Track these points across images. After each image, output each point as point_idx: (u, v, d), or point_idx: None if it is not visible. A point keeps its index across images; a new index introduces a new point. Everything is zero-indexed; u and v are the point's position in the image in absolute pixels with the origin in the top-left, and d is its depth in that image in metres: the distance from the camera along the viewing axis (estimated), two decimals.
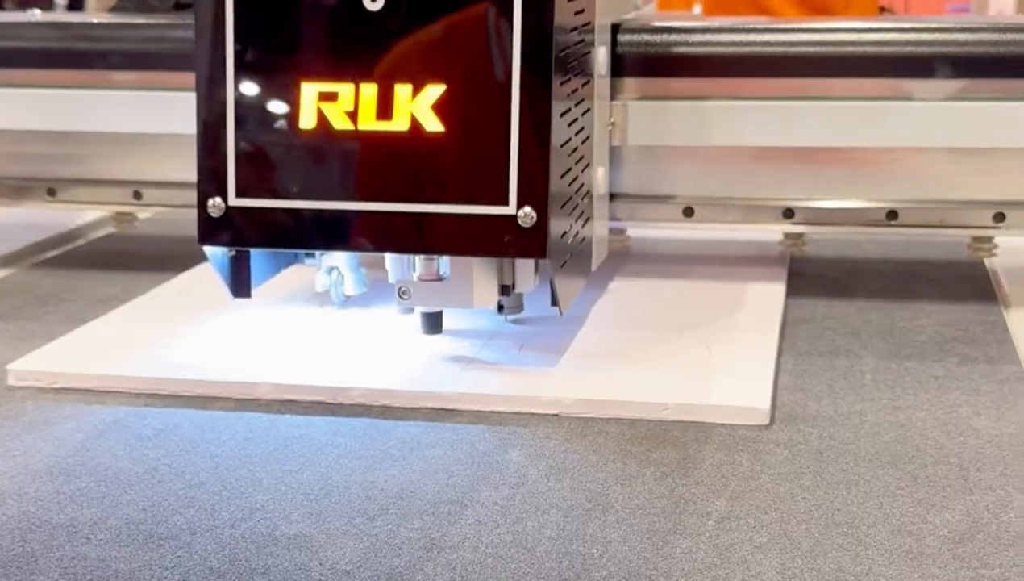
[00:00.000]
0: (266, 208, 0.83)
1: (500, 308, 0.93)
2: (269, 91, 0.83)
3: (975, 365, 0.87)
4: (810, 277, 1.10)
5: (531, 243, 0.80)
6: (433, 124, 0.81)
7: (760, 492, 0.70)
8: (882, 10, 1.84)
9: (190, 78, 0.85)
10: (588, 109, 0.92)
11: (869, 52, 1.00)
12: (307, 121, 0.82)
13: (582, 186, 0.90)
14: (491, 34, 0.80)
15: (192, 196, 0.85)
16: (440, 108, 0.81)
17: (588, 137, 0.92)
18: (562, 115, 0.83)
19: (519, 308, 0.94)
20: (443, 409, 0.82)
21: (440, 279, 0.86)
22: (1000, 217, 1.02)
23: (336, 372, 0.86)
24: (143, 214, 1.30)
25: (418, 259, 0.86)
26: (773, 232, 1.12)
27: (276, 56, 0.83)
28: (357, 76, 0.82)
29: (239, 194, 0.84)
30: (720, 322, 0.95)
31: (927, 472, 0.71)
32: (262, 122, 0.83)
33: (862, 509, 0.67)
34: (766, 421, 0.79)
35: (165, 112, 1.08)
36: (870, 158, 1.03)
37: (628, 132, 1.02)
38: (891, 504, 0.68)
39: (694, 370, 0.85)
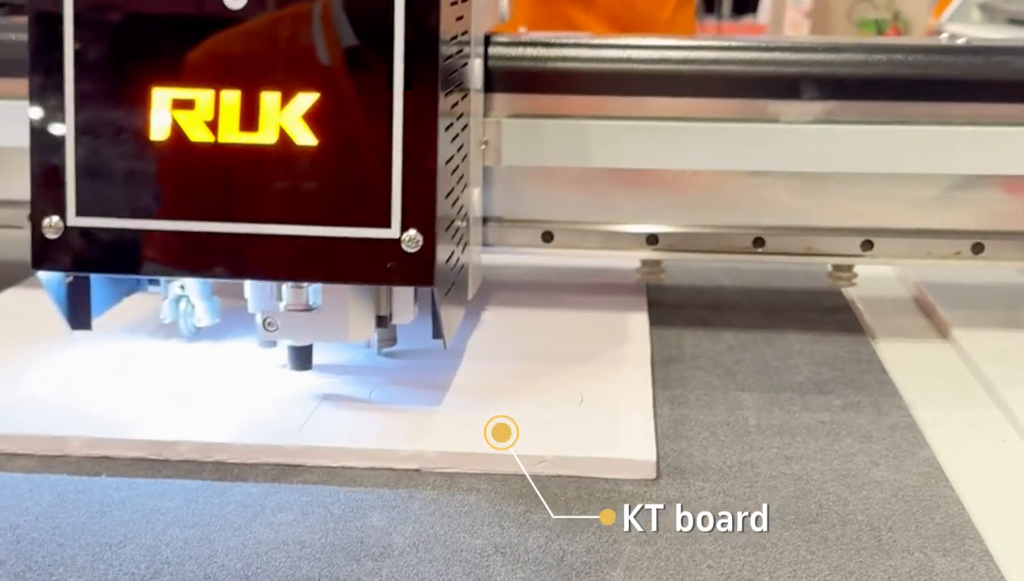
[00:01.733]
0: (111, 229, 0.72)
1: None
2: (115, 96, 0.72)
3: (861, 409, 0.82)
4: (671, 307, 1.03)
5: (417, 269, 0.71)
6: (304, 137, 0.71)
7: (659, 559, 0.62)
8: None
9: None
10: (467, 125, 0.83)
11: (732, 72, 0.94)
12: (159, 131, 0.71)
13: (462, 208, 0.81)
14: (371, 37, 0.71)
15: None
16: (312, 119, 0.71)
17: (467, 155, 0.83)
18: (446, 129, 0.75)
19: (392, 340, 0.84)
20: (288, 465, 0.71)
21: (310, 309, 0.76)
22: (868, 245, 0.98)
23: (164, 422, 0.74)
24: None
25: (285, 286, 0.76)
26: (631, 259, 1.05)
27: (123, 57, 0.72)
28: (217, 81, 0.71)
29: (79, 213, 0.72)
30: (591, 359, 0.87)
31: (837, 533, 0.65)
32: (106, 132, 0.72)
33: (775, 579, 0.60)
34: (653, 475, 0.71)
35: None
36: (736, 183, 0.97)
37: (502, 152, 0.93)
38: (806, 572, 0.61)
39: (570, 416, 0.77)
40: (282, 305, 0.76)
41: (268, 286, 0.76)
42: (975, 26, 1.87)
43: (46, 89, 0.72)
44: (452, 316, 0.79)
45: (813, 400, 0.83)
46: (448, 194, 0.76)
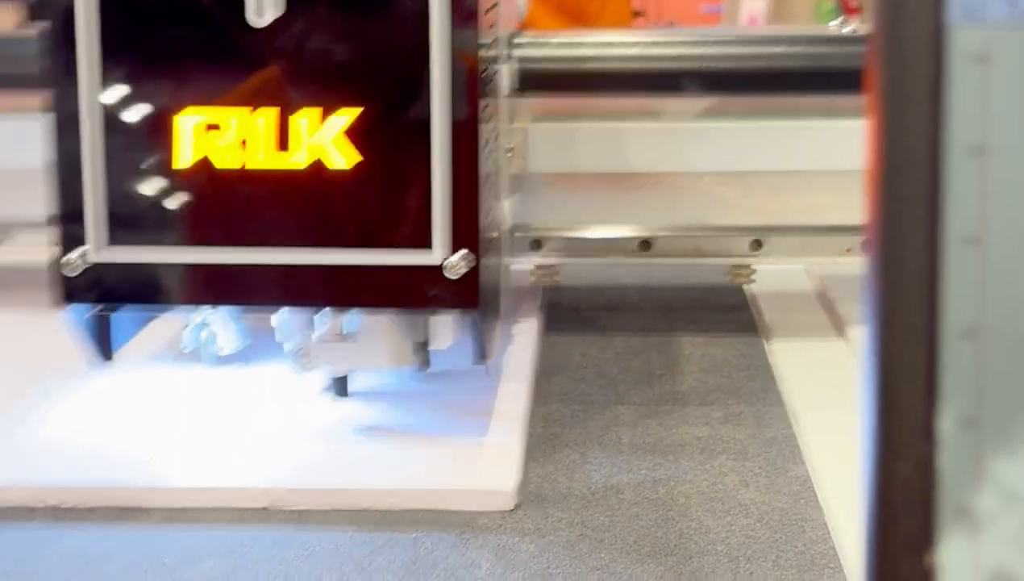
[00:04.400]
0: (137, 262, 0.69)
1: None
2: (140, 122, 0.68)
3: (741, 421, 0.79)
4: (565, 310, 1.00)
5: (461, 294, 0.68)
6: (339, 159, 0.67)
7: None
8: (636, 15, 1.77)
9: None
10: (498, 135, 0.78)
11: (614, 68, 0.91)
12: (185, 157, 0.68)
13: (496, 222, 0.77)
14: (406, 52, 0.67)
15: None
16: (346, 141, 0.67)
17: (499, 166, 0.79)
18: (483, 144, 0.70)
19: (426, 363, 0.78)
20: (126, 507, 0.68)
21: (344, 338, 0.73)
22: (757, 245, 0.96)
23: (13, 467, 0.71)
24: None
25: (318, 315, 0.73)
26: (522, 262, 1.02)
27: (147, 80, 0.68)
28: (245, 104, 0.67)
29: (105, 245, 0.69)
30: (470, 375, 0.83)
31: (692, 565, 0.62)
32: (132, 159, 0.68)
33: None
34: (511, 505, 0.68)
35: None
36: (621, 182, 0.94)
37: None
38: None
39: (428, 443, 0.74)
40: (315, 335, 0.73)
41: (299, 314, 0.73)
42: None
43: (67, 119, 0.68)
44: (493, 336, 0.75)
45: (693, 413, 0.80)
46: (488, 212, 0.71)
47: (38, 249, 1.02)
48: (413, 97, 0.67)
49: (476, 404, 0.78)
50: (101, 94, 0.68)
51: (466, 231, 0.68)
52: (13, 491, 0.68)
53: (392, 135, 0.68)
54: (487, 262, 0.70)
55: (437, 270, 0.68)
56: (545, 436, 0.77)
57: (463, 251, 0.68)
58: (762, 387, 0.84)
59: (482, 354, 0.72)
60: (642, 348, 0.92)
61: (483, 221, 0.69)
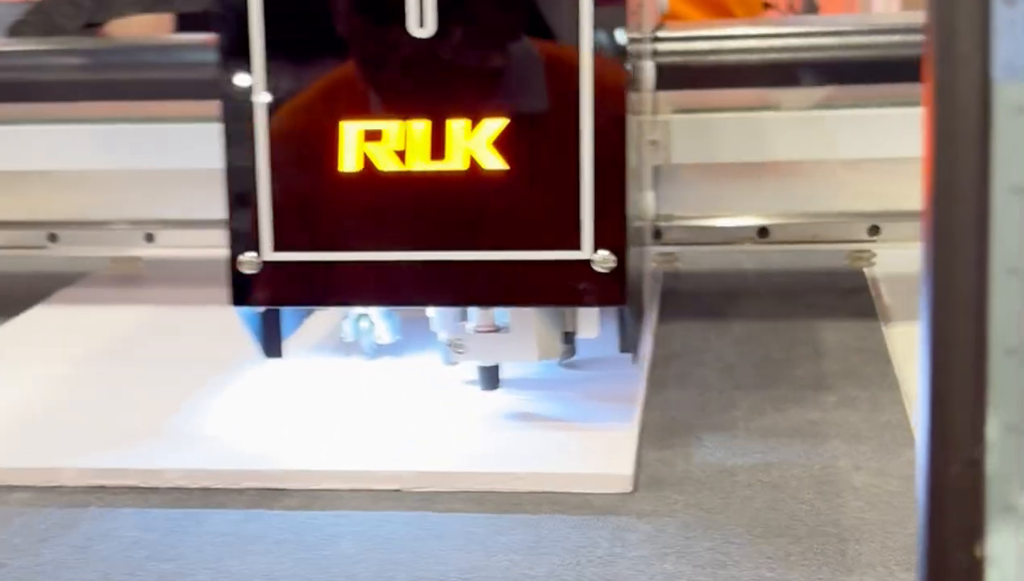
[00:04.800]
0: (307, 262, 0.74)
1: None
2: (306, 130, 0.73)
3: (855, 405, 0.81)
4: (684, 296, 1.03)
5: (609, 290, 0.71)
6: (492, 161, 0.71)
7: None
8: (766, 7, 1.77)
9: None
10: (641, 127, 0.81)
11: (734, 61, 0.93)
12: (350, 163, 0.73)
13: (640, 215, 0.80)
14: (556, 55, 0.71)
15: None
16: (499, 142, 0.71)
17: (642, 159, 0.82)
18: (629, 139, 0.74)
19: (572, 352, 0.83)
20: (269, 489, 0.73)
21: (497, 330, 0.77)
22: (875, 230, 0.97)
23: (157, 450, 0.76)
24: None
25: (472, 308, 0.77)
26: None
27: (313, 92, 0.74)
28: (405, 112, 0.72)
29: (276, 247, 0.74)
30: (582, 361, 0.87)
31: (802, 547, 0.64)
32: (300, 165, 0.73)
33: None
34: (629, 488, 0.71)
35: None
36: (739, 172, 0.96)
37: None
38: None
39: (548, 428, 0.77)
40: (469, 326, 0.77)
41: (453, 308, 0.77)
42: None
43: (238, 126, 0.73)
44: (640, 327, 0.78)
45: (808, 396, 0.82)
46: (632, 204, 0.74)
47: (192, 247, 1.10)
48: (563, 95, 0.70)
49: (591, 393, 0.82)
50: (270, 102, 0.73)
51: (613, 226, 0.71)
52: (166, 473, 0.73)
53: (541, 133, 0.71)
54: (633, 255, 0.72)
55: (586, 265, 0.71)
56: (663, 421, 0.80)
57: (611, 245, 0.71)
58: (879, 371, 0.86)
59: (629, 343, 0.75)
60: (760, 331, 0.94)
61: (630, 215, 0.71)
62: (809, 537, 0.65)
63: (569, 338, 0.80)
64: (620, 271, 0.71)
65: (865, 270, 1.05)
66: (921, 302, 0.36)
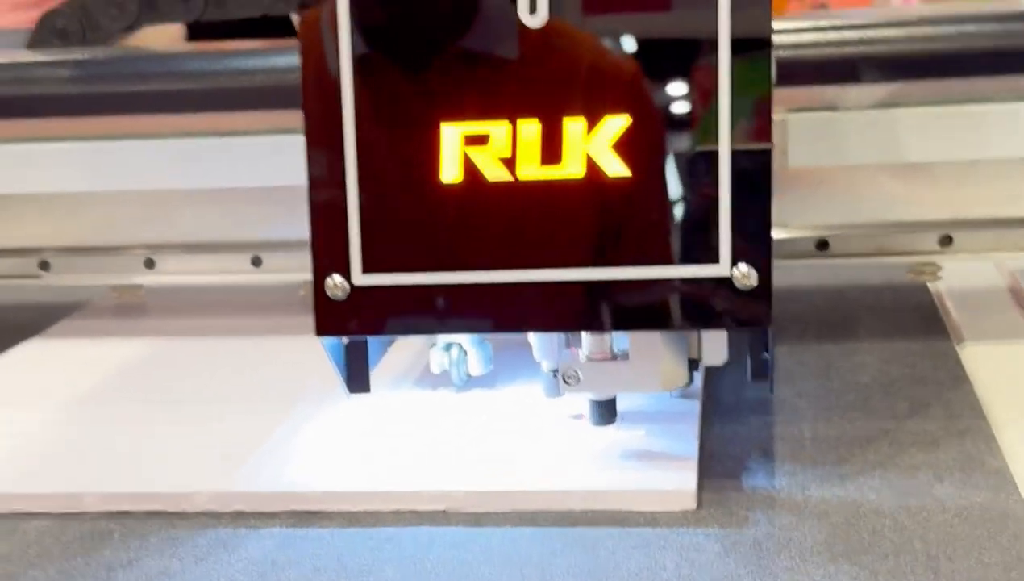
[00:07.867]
0: (402, 286, 0.65)
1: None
2: (400, 136, 0.65)
3: (929, 412, 0.75)
4: None
5: (752, 310, 0.63)
6: (615, 167, 0.63)
7: None
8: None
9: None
10: None
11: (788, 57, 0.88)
12: (451, 172, 0.65)
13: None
14: (689, 45, 0.62)
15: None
16: (621, 146, 0.63)
17: None
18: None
19: (691, 380, 0.72)
20: (307, 512, 0.68)
21: (615, 357, 0.69)
22: (947, 240, 0.91)
23: (187, 474, 0.71)
24: None
25: (585, 333, 0.68)
26: None
27: (408, 91, 0.65)
28: (513, 112, 0.63)
29: (366, 269, 0.66)
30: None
31: (889, 565, 0.59)
32: (393, 177, 0.64)
33: None
34: (693, 505, 0.66)
35: None
36: (796, 179, 0.90)
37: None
38: None
39: (603, 443, 0.72)
40: (582, 354, 0.69)
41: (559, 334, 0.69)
42: None
43: (324, 137, 0.65)
44: (774, 348, 0.68)
45: (877, 404, 0.77)
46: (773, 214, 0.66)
47: (196, 274, 1.02)
48: (697, 97, 0.63)
49: (646, 407, 0.76)
50: (360, 111, 0.65)
51: (754, 238, 0.62)
52: (195, 497, 0.68)
53: (672, 136, 0.63)
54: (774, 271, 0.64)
55: (726, 283, 0.63)
56: (722, 434, 0.74)
57: (752, 259, 0.62)
58: (951, 376, 0.80)
59: (760, 372, 0.66)
60: (818, 341, 0.89)
61: (772, 226, 0.63)
62: (896, 554, 0.60)
63: (694, 365, 0.70)
64: (764, 288, 0.63)
65: (929, 285, 0.99)
66: None
